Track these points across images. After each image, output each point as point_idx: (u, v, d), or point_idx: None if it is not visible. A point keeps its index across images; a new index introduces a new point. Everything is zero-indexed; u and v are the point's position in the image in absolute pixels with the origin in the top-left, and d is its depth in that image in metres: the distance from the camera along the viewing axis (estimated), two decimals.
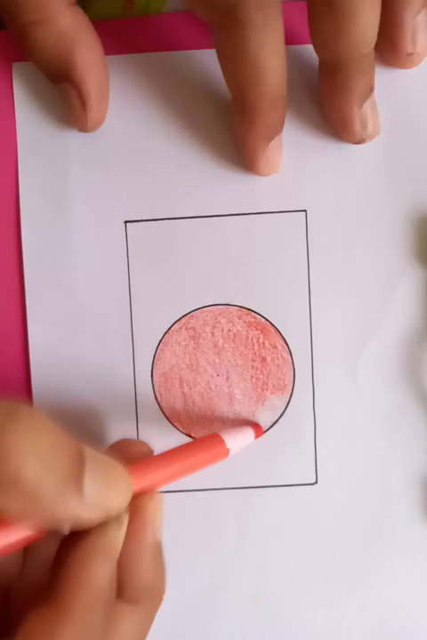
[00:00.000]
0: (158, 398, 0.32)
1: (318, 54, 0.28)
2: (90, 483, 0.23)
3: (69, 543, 0.24)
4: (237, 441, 0.29)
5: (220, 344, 0.31)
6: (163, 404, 0.32)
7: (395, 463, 0.31)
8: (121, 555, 0.24)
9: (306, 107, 0.30)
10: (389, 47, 0.29)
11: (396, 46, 0.29)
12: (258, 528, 0.32)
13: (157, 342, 0.31)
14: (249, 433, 0.30)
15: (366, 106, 0.29)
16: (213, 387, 0.31)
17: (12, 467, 0.21)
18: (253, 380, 0.31)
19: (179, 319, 0.31)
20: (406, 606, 0.32)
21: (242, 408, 0.31)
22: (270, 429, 0.31)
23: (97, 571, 0.23)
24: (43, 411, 0.23)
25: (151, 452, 0.29)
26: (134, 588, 0.24)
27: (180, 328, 0.31)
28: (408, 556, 0.32)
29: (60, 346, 0.31)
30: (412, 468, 0.31)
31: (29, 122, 0.31)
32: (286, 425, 0.31)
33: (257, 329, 0.31)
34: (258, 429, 0.31)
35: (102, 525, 0.24)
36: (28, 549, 0.27)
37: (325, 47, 0.27)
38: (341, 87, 0.28)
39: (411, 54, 0.29)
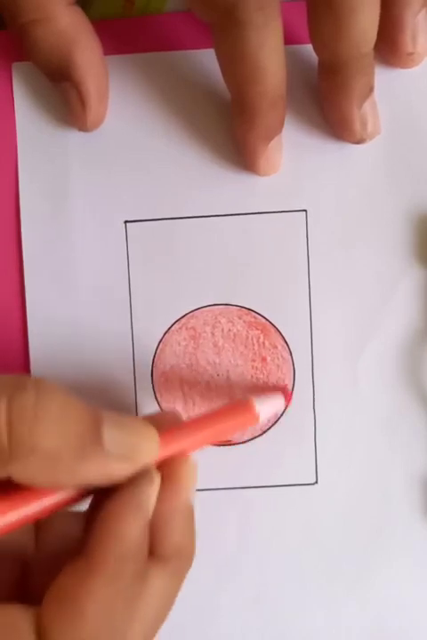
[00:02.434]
0: (158, 398, 0.32)
1: (317, 54, 0.28)
2: (110, 434, 0.23)
3: (101, 502, 0.24)
4: (267, 406, 0.29)
5: (220, 344, 0.31)
6: (163, 404, 0.32)
7: (395, 463, 0.31)
8: (154, 515, 0.25)
9: (306, 107, 0.30)
10: (389, 47, 0.29)
11: (396, 46, 0.29)
12: (258, 528, 0.32)
13: (157, 342, 0.31)
14: (279, 399, 0.30)
15: (366, 106, 0.29)
16: (213, 387, 0.31)
17: (26, 434, 0.22)
18: (254, 380, 0.31)
19: (179, 319, 0.31)
20: (407, 606, 0.32)
21: None
22: (270, 429, 0.31)
23: (128, 525, 0.24)
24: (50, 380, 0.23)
25: (181, 419, 0.29)
26: (166, 549, 0.25)
27: (180, 328, 0.31)
28: (408, 556, 0.32)
29: (60, 345, 0.31)
30: (412, 469, 0.31)
31: (29, 122, 0.31)
32: (286, 425, 0.31)
33: (257, 329, 0.31)
34: (288, 395, 0.31)
35: (132, 481, 0.24)
36: (41, 522, 0.27)
37: (324, 47, 0.27)
38: (341, 87, 0.28)
39: (411, 54, 0.29)
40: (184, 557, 0.26)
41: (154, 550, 0.25)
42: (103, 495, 0.24)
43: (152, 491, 0.25)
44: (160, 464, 0.25)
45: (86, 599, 0.23)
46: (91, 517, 0.25)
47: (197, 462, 0.26)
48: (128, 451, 0.24)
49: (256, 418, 0.29)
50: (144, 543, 0.24)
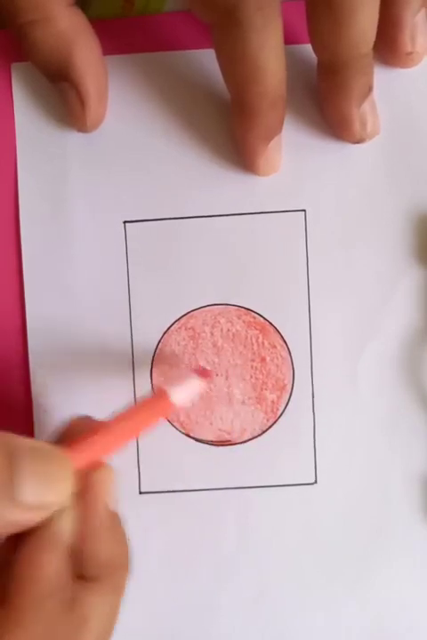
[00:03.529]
0: None
1: (316, 54, 0.28)
2: (24, 485, 0.22)
3: (14, 541, 0.23)
4: (182, 392, 0.28)
5: (219, 344, 0.31)
6: None
7: (395, 463, 0.31)
8: (76, 534, 0.24)
9: (305, 107, 0.30)
10: (388, 46, 0.29)
11: (395, 45, 0.29)
12: (258, 528, 0.32)
13: (157, 342, 0.31)
14: (194, 381, 0.29)
15: (366, 105, 0.29)
16: (212, 387, 0.31)
17: None
18: (253, 380, 0.31)
19: (178, 319, 0.31)
20: (406, 606, 0.32)
21: (241, 408, 0.31)
22: (270, 429, 0.31)
23: (44, 563, 0.23)
24: None
25: (94, 422, 0.28)
26: (94, 566, 0.24)
27: (179, 328, 0.31)
28: (408, 556, 0.32)
29: (59, 345, 0.31)
30: (412, 468, 0.31)
31: (29, 122, 0.31)
32: (285, 425, 0.31)
33: (256, 329, 0.31)
34: (206, 373, 0.30)
35: (45, 519, 0.23)
36: None
37: (324, 47, 0.27)
38: (340, 87, 0.28)
39: (410, 53, 0.29)
40: (117, 569, 0.25)
41: (83, 573, 0.24)
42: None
43: (65, 519, 0.23)
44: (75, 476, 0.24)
45: None
46: (4, 556, 0.24)
47: (112, 468, 0.25)
48: (42, 501, 0.23)
49: (170, 405, 0.27)
50: (65, 571, 0.23)
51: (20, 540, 0.23)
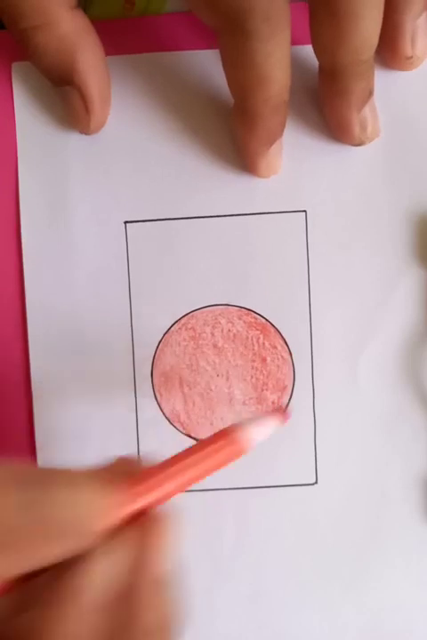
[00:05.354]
0: (158, 398, 0.32)
1: (318, 59, 0.28)
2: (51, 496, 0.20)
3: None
4: (254, 433, 0.24)
5: (220, 344, 0.31)
6: (163, 405, 0.32)
7: (395, 464, 0.31)
8: (126, 589, 0.21)
9: (306, 108, 0.30)
10: (388, 50, 0.29)
11: (395, 49, 0.29)
12: (257, 528, 0.32)
13: (157, 342, 0.31)
14: (267, 422, 0.25)
15: (366, 109, 0.29)
16: (213, 387, 0.32)
17: None
18: (253, 381, 0.31)
19: (179, 319, 0.31)
20: (404, 607, 0.32)
21: (242, 408, 0.32)
22: None
23: (59, 618, 0.20)
24: None
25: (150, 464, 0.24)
26: (144, 625, 0.21)
27: (179, 328, 0.31)
28: (407, 557, 0.32)
29: (59, 345, 0.31)
30: (412, 469, 0.31)
31: (29, 122, 0.31)
32: (286, 425, 0.31)
33: (257, 329, 0.31)
34: (282, 414, 0.26)
35: (73, 558, 0.20)
36: None
37: (325, 53, 0.27)
38: (340, 91, 0.28)
39: (410, 57, 0.29)
40: (167, 629, 0.22)
41: (132, 626, 0.21)
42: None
43: (98, 569, 0.20)
44: (129, 522, 0.21)
45: None
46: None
47: (174, 517, 0.22)
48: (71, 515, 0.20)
49: (240, 451, 0.24)
50: (92, 633, 0.20)
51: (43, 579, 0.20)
